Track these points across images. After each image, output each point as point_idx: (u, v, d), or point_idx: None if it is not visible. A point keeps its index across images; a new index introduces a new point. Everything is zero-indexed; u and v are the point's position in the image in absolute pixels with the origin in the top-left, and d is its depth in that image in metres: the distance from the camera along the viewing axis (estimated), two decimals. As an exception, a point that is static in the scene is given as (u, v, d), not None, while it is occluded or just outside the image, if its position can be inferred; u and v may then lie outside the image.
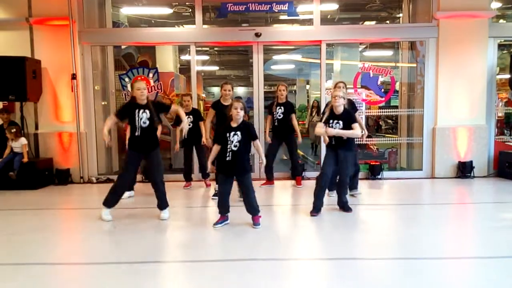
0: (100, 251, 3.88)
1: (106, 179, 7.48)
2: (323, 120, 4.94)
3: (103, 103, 8.18)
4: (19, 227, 4.68)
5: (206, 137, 6.14)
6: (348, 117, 4.85)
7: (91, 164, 7.58)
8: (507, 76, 7.84)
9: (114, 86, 8.39)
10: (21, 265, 3.50)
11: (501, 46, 8.43)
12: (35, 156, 7.34)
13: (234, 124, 4.34)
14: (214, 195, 5.87)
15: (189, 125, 6.41)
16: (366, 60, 9.40)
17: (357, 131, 4.79)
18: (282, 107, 6.51)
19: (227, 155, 4.30)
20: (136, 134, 4.68)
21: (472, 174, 7.31)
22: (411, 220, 4.84)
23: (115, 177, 7.33)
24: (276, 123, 6.60)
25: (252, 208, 4.48)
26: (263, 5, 7.42)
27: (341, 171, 5.01)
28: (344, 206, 5.10)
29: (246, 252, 3.77)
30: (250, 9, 7.47)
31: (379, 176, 7.37)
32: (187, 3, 8.88)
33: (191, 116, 6.49)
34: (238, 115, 4.28)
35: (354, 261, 3.52)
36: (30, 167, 6.82)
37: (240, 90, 21.83)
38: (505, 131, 9.82)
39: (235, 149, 4.28)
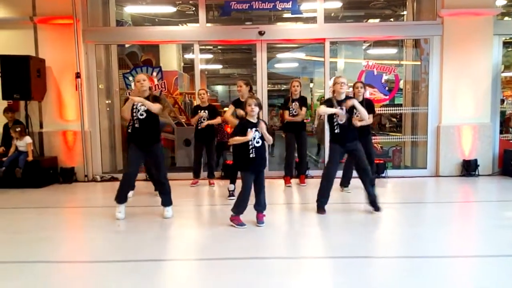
0: (105, 249, 3.90)
1: (111, 177, 7.51)
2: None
3: (107, 101, 8.20)
4: (24, 225, 4.71)
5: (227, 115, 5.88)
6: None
7: (95, 162, 7.60)
8: (512, 74, 7.81)
9: (118, 85, 8.42)
10: (26, 263, 3.51)
11: (506, 44, 8.39)
12: (39, 155, 7.37)
13: (252, 120, 4.35)
14: (230, 196, 5.77)
15: (204, 119, 6.45)
16: (370, 58, 9.39)
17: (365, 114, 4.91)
18: (297, 102, 6.48)
19: (250, 152, 4.30)
20: (136, 126, 4.66)
21: (476, 173, 7.27)
22: (415, 218, 4.83)
23: (119, 176, 7.41)
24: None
25: (261, 205, 4.46)
26: (266, 3, 7.40)
27: (360, 163, 4.90)
28: (372, 203, 4.90)
29: (251, 250, 3.77)
30: (254, 7, 7.46)
31: (383, 175, 7.35)
32: (190, 2, 8.89)
33: (206, 111, 6.49)
34: (253, 111, 4.30)
35: (358, 260, 3.51)
36: (35, 165, 6.85)
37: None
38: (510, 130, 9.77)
39: (258, 145, 4.31)
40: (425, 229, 4.39)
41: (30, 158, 6.80)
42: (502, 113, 9.61)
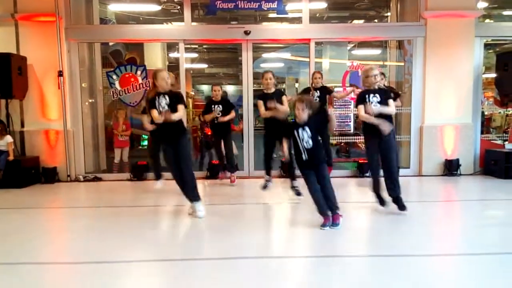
0: (88, 250, 3.83)
1: (94, 177, 7.41)
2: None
3: (90, 100, 8.09)
4: (4, 226, 4.61)
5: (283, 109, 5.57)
6: (384, 91, 4.76)
7: (78, 162, 7.49)
8: (493, 75, 7.95)
9: (101, 83, 8.32)
10: (9, 265, 3.45)
11: (487, 46, 8.53)
12: (21, 154, 7.23)
13: (300, 121, 4.18)
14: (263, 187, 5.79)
15: (218, 114, 6.48)
16: (355, 58, 9.45)
17: (392, 107, 4.64)
18: (318, 91, 6.54)
19: (302, 152, 4.18)
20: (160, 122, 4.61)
21: (458, 172, 7.39)
22: (398, 217, 4.86)
23: (102, 175, 7.38)
24: None
25: (329, 203, 4.27)
26: (252, 2, 7.40)
27: (387, 161, 4.77)
28: (398, 203, 4.84)
29: (234, 250, 3.77)
30: (239, 6, 7.45)
31: (368, 174, 7.40)
32: (175, 0, 8.83)
33: (220, 106, 6.52)
34: (301, 114, 4.13)
35: (340, 259, 3.52)
36: (16, 165, 6.71)
37: (229, 88, 21.76)
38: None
39: (308, 147, 4.15)
40: (407, 228, 4.44)
41: (11, 157, 6.67)
42: (482, 114, 9.80)
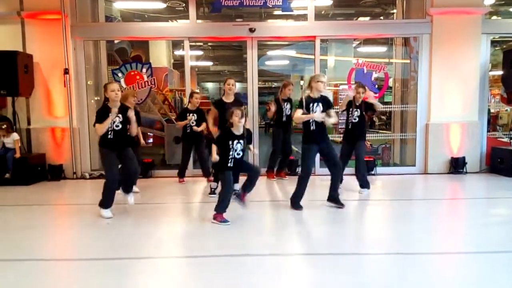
0: (93, 247, 3.86)
1: (100, 175, 7.42)
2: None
3: (96, 98, 8.12)
4: (11, 223, 4.66)
5: (210, 129, 5.81)
6: (326, 100, 4.87)
7: (84, 159, 7.53)
8: (500, 72, 7.89)
9: (107, 81, 8.33)
10: (13, 261, 3.48)
11: (493, 43, 8.47)
12: (27, 152, 7.28)
13: (237, 132, 4.34)
14: (211, 194, 5.71)
15: (193, 123, 6.48)
16: (360, 56, 9.41)
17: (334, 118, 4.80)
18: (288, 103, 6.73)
19: (229, 161, 4.34)
20: (109, 136, 4.62)
21: (464, 170, 7.35)
22: (404, 215, 4.87)
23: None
24: (285, 119, 6.75)
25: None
26: (257, 0, 7.39)
27: (330, 158, 4.90)
28: (336, 199, 4.98)
29: (237, 247, 3.77)
30: (244, 4, 7.42)
31: (373, 172, 7.39)
32: (180, -2, 8.86)
33: (195, 114, 6.54)
34: (240, 123, 4.27)
35: (346, 256, 3.53)
36: (23, 162, 6.76)
37: (234, 86, 21.76)
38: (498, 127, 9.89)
39: (238, 156, 4.35)
40: (412, 226, 4.43)
41: (17, 155, 6.71)
42: (488, 111, 9.73)
